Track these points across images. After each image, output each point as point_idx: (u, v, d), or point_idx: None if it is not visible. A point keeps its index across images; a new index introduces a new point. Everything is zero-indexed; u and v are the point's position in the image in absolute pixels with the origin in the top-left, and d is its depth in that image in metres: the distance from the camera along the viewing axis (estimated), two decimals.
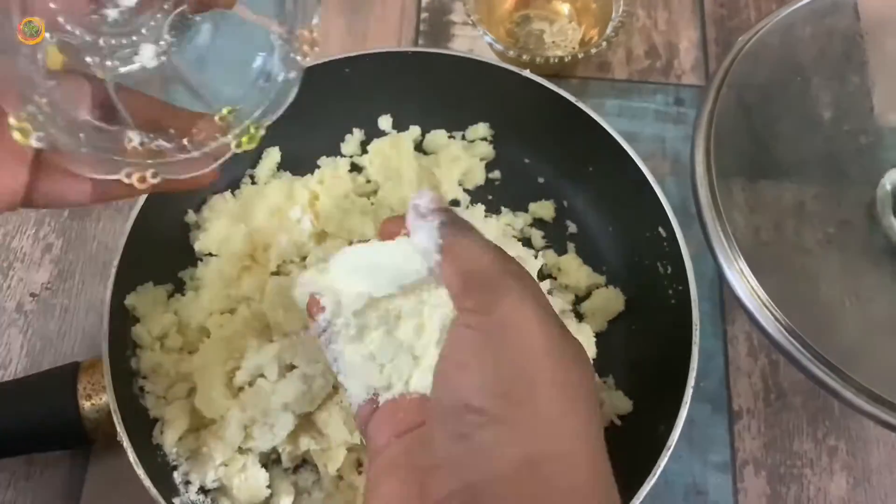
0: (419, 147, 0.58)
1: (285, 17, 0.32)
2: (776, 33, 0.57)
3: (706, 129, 0.54)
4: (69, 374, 0.47)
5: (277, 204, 0.53)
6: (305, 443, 0.46)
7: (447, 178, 0.56)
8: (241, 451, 0.46)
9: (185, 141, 0.31)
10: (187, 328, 0.49)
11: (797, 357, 0.49)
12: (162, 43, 0.30)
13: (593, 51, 0.59)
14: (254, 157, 0.56)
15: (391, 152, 0.56)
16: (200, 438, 0.47)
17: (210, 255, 0.52)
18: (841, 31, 0.60)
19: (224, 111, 0.32)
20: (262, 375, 0.46)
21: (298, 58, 0.32)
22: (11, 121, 0.28)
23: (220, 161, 0.31)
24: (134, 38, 0.30)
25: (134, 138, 0.30)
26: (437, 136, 0.57)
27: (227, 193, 0.55)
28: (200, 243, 0.52)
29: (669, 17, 0.65)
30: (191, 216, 0.54)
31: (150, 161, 0.30)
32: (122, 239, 0.49)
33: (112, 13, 0.30)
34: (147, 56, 0.30)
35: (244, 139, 0.32)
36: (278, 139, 0.57)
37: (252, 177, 0.56)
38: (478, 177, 0.57)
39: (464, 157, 0.57)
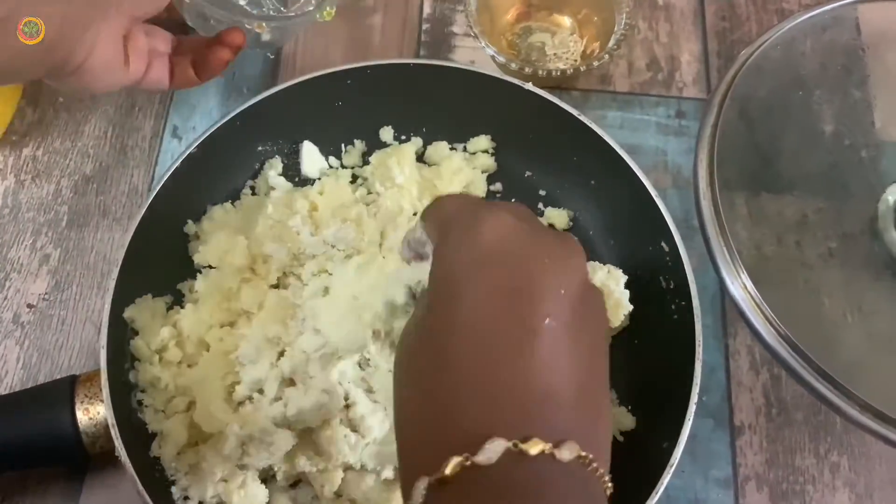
0: (421, 158, 0.58)
1: None
2: (778, 47, 0.57)
3: (709, 143, 0.54)
4: (66, 387, 0.46)
5: (277, 215, 0.52)
6: (302, 463, 0.45)
7: (448, 189, 0.56)
8: (240, 466, 0.45)
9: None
10: (186, 341, 0.49)
11: (800, 372, 0.49)
12: None
13: (596, 63, 0.59)
14: (254, 168, 0.56)
15: (392, 163, 0.55)
16: (199, 453, 0.46)
17: (210, 267, 0.52)
18: (842, 45, 0.60)
19: None
20: (261, 391, 0.46)
21: None
22: None
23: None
24: None
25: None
26: (439, 148, 0.57)
27: (228, 204, 0.54)
28: (200, 255, 0.52)
29: (671, 30, 0.65)
30: (190, 226, 0.53)
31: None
32: (121, 251, 0.48)
33: None
34: None
35: (325, 13, 0.52)
36: (279, 150, 0.56)
37: (253, 188, 0.56)
38: (479, 189, 0.57)
39: (465, 169, 0.56)
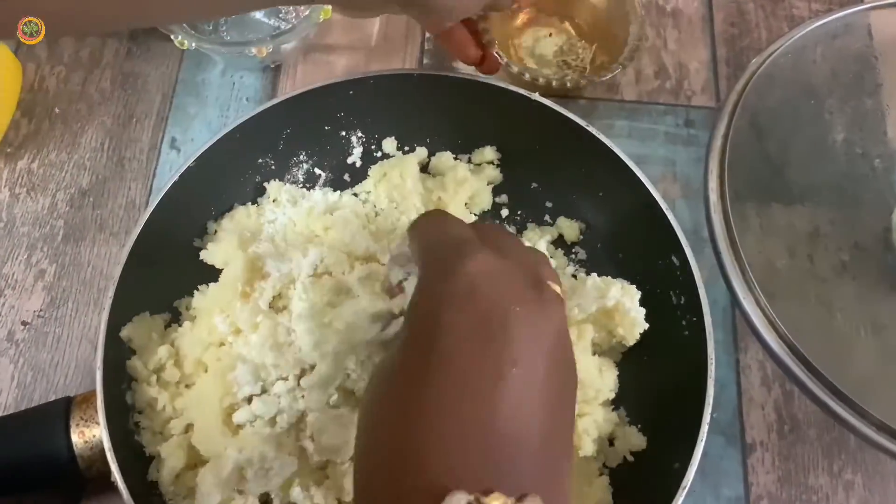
0: (425, 170, 0.56)
1: None
2: (789, 55, 0.56)
3: (720, 153, 0.53)
4: (61, 409, 0.45)
5: (281, 235, 0.51)
6: (295, 494, 0.44)
7: (453, 200, 0.54)
8: (238, 491, 0.44)
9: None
10: (184, 361, 0.47)
11: (812, 389, 0.48)
12: None
13: (608, 76, 0.57)
14: (255, 181, 0.55)
15: (394, 174, 0.54)
16: (198, 476, 0.45)
17: (214, 270, 0.51)
18: (854, 52, 0.59)
19: None
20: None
21: None
22: None
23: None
24: None
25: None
26: (443, 159, 0.56)
27: (252, 207, 0.53)
28: (207, 253, 0.51)
29: (679, 37, 0.64)
30: (211, 226, 0.52)
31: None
32: (117, 267, 0.47)
33: None
34: None
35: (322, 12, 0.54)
36: (280, 162, 0.55)
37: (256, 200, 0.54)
38: (484, 201, 0.56)
39: (470, 179, 0.55)
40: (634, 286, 0.49)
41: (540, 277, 0.33)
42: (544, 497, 0.28)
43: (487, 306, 0.31)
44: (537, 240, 0.54)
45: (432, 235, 0.36)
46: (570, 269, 0.54)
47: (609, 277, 0.50)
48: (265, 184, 0.54)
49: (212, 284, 0.50)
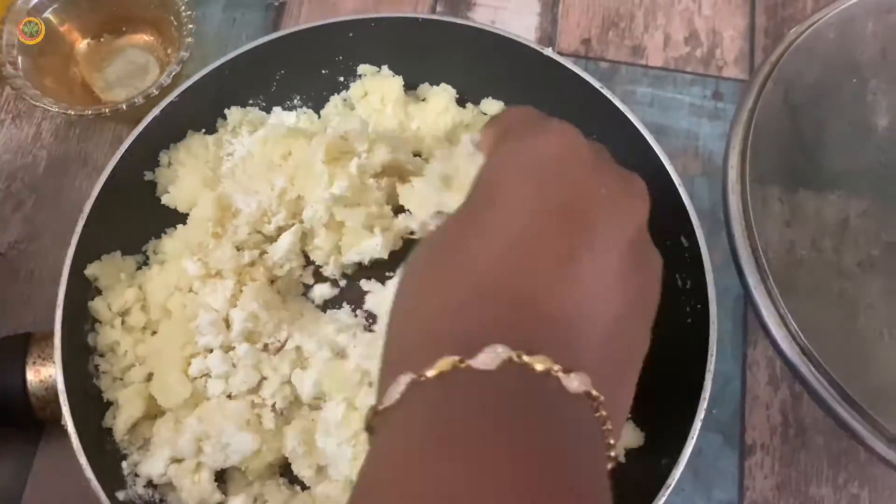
0: None
1: None
2: (833, 27, 0.51)
3: (744, 129, 0.48)
4: (19, 345, 0.43)
5: (246, 163, 0.48)
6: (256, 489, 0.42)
7: (432, 132, 0.50)
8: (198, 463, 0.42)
9: None
10: (151, 306, 0.45)
11: (820, 393, 0.43)
12: None
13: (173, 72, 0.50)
14: None
15: (374, 98, 0.50)
16: (154, 428, 0.43)
17: (179, 214, 0.48)
18: None
19: None
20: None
21: None
22: None
23: None
24: None
25: None
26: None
27: (205, 136, 0.49)
28: (169, 196, 0.48)
29: (715, 1, 0.59)
30: (163, 156, 0.48)
31: None
32: (89, 201, 0.44)
33: None
34: None
35: None
36: (269, 106, 0.52)
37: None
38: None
39: (452, 109, 0.51)
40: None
41: (628, 173, 0.30)
42: (596, 386, 0.24)
43: (567, 180, 0.28)
44: None
45: (512, 119, 0.33)
46: None
47: None
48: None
49: (180, 226, 0.47)
